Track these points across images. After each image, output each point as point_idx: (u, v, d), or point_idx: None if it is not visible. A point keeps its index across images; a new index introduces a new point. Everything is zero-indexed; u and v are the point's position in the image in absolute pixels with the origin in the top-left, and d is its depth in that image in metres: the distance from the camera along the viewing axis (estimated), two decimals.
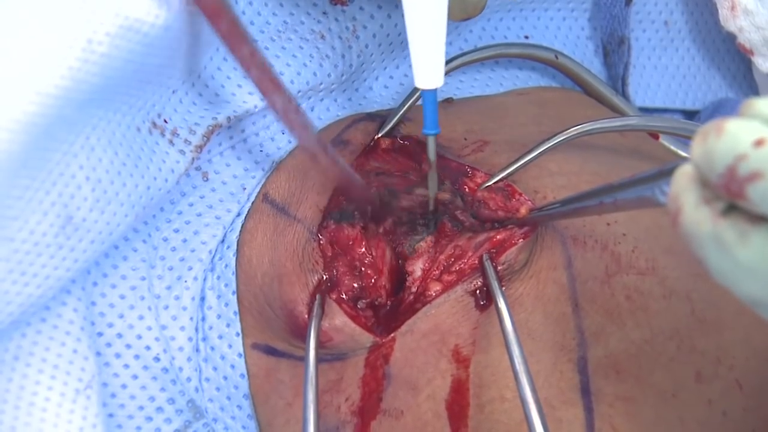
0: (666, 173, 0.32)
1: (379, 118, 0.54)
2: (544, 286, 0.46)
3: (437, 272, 0.47)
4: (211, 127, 0.47)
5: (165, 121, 0.46)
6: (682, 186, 0.27)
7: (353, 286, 0.48)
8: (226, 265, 0.51)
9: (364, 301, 0.48)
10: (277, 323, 0.49)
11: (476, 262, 0.46)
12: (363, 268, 0.48)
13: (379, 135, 0.52)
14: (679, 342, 0.44)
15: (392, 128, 0.52)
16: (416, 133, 0.52)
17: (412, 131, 0.53)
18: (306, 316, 0.47)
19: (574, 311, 0.45)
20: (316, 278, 0.47)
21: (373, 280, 0.48)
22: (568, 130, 0.48)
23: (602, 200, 0.37)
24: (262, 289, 0.49)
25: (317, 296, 0.47)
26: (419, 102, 0.53)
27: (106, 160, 0.42)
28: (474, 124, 0.53)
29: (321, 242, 0.48)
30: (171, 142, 0.46)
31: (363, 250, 0.48)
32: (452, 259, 0.47)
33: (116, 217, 0.43)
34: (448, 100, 0.57)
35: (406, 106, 0.52)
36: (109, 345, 0.48)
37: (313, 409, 0.41)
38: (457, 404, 0.45)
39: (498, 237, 0.46)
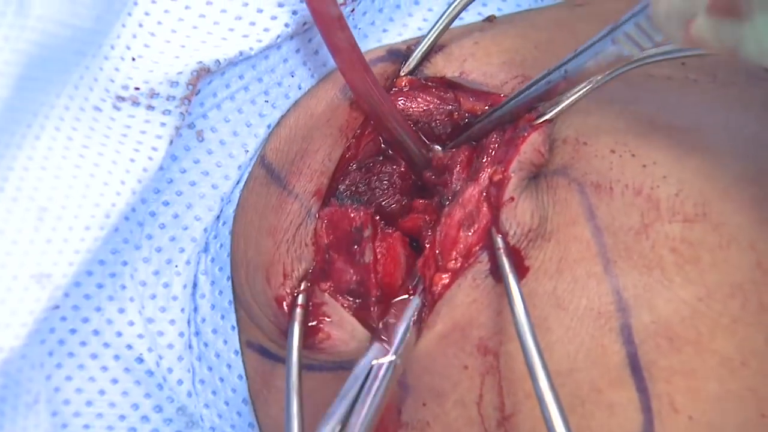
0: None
1: (400, 55, 0.46)
2: (566, 246, 0.39)
3: (438, 256, 0.41)
4: (196, 72, 0.41)
5: (136, 89, 0.40)
6: None
7: (351, 281, 0.42)
8: (221, 245, 0.45)
9: (364, 301, 0.42)
10: (265, 322, 0.43)
11: (475, 240, 0.40)
12: (362, 259, 0.42)
13: (402, 74, 0.45)
14: (744, 299, 0.37)
15: (416, 66, 0.45)
16: (445, 70, 0.45)
17: (439, 69, 0.45)
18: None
19: (606, 270, 0.38)
20: (303, 267, 0.42)
21: (376, 275, 0.42)
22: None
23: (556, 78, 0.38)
24: (248, 281, 0.44)
25: (302, 284, 0.41)
26: (454, 24, 0.45)
27: (59, 147, 0.38)
28: (515, 53, 0.45)
29: (317, 226, 0.42)
30: (150, 107, 0.40)
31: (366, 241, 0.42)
32: (447, 244, 0.41)
33: (104, 198, 0.39)
34: (490, 18, 0.49)
35: (433, 36, 0.44)
36: (83, 344, 0.43)
37: (297, 423, 0.36)
38: (491, 406, 0.39)
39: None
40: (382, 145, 0.45)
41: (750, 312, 0.37)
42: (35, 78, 0.37)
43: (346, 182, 0.44)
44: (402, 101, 0.44)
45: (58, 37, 0.37)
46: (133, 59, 0.40)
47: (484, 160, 0.41)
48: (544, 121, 0.41)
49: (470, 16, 0.47)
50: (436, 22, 0.45)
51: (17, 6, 0.35)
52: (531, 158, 0.40)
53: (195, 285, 0.45)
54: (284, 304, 0.41)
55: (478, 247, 0.40)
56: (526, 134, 0.40)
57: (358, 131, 0.44)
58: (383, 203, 0.44)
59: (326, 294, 0.41)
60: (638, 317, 0.37)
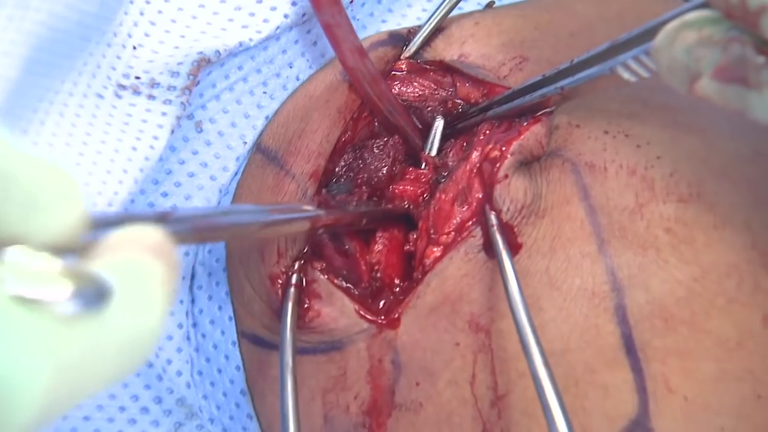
0: (639, 38, 0.33)
1: (401, 40, 0.46)
2: (560, 225, 0.39)
3: (431, 229, 0.41)
4: (196, 62, 0.41)
5: (137, 78, 0.41)
6: (697, 42, 0.29)
7: (341, 267, 0.42)
8: None
9: (355, 286, 0.42)
10: (258, 305, 0.43)
11: (468, 216, 0.40)
12: (349, 248, 0.42)
13: (403, 57, 0.45)
14: (739, 279, 0.37)
15: (417, 51, 0.45)
16: (445, 53, 0.45)
17: (439, 52, 0.45)
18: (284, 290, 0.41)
19: (600, 249, 0.38)
20: (297, 247, 0.42)
21: (366, 264, 0.42)
22: None
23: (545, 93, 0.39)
24: (242, 261, 0.43)
25: (296, 263, 0.41)
26: (453, 13, 0.46)
27: (63, 133, 0.38)
28: (514, 33, 0.45)
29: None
30: (151, 96, 0.40)
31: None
32: (442, 215, 0.41)
33: (107, 186, 0.39)
34: (489, 5, 0.49)
35: (434, 21, 0.45)
36: None
37: (292, 402, 0.36)
38: (485, 385, 0.39)
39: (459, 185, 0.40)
40: (377, 130, 0.45)
41: (745, 292, 0.37)
42: (41, 61, 0.37)
43: (341, 164, 0.44)
44: (398, 85, 0.45)
45: (65, 20, 0.37)
46: (134, 48, 0.40)
47: (475, 140, 0.41)
48: (545, 112, 0.41)
49: (469, 6, 0.48)
50: (438, 8, 0.45)
51: None
52: (531, 146, 0.40)
53: (193, 276, 0.45)
54: (278, 282, 0.41)
55: (471, 222, 0.40)
56: (526, 123, 0.40)
57: (356, 114, 0.44)
58: (376, 171, 0.44)
59: (317, 271, 0.41)
60: (633, 297, 0.37)
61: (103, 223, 0.23)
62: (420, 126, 0.45)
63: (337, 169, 0.44)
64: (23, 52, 0.37)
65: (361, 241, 0.42)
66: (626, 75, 0.34)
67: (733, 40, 0.29)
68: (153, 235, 0.23)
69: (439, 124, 0.44)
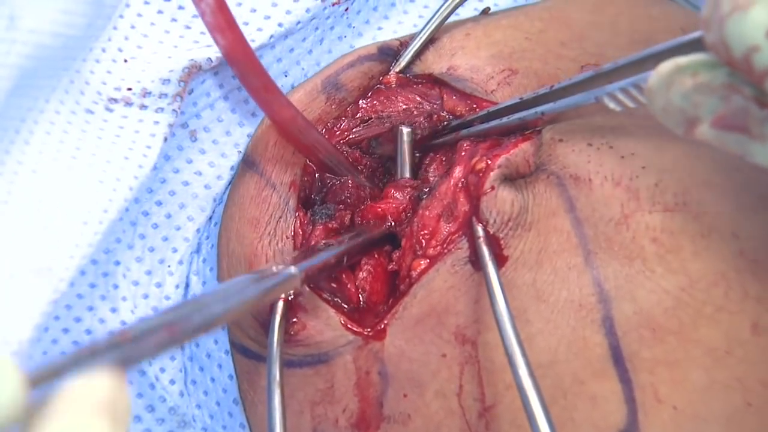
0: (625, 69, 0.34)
1: (391, 53, 0.46)
2: (546, 238, 0.38)
3: (416, 246, 0.41)
4: (187, 69, 0.41)
5: (129, 89, 0.41)
6: (693, 88, 0.29)
7: (327, 286, 0.42)
8: (213, 246, 0.45)
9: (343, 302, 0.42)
10: (245, 317, 0.43)
11: (455, 230, 0.40)
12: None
13: (393, 72, 0.45)
14: (727, 288, 0.37)
15: (407, 65, 0.45)
16: (434, 66, 0.45)
17: (428, 65, 0.45)
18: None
19: (586, 261, 0.37)
20: (285, 260, 0.41)
21: (354, 285, 0.42)
22: None
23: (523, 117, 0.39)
24: (229, 270, 0.44)
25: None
26: (450, 20, 0.45)
27: (50, 150, 0.39)
28: (504, 45, 0.45)
29: (295, 225, 0.42)
30: (143, 106, 0.40)
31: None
32: (426, 231, 0.41)
33: (99, 195, 0.39)
34: (485, 11, 0.48)
35: (424, 36, 0.45)
36: (76, 343, 0.43)
37: (279, 415, 0.36)
38: (472, 397, 0.39)
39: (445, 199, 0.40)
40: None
41: (734, 300, 0.36)
42: (24, 86, 0.38)
43: (320, 183, 0.44)
44: (382, 100, 0.45)
45: (50, 48, 0.38)
46: (125, 61, 0.40)
47: (456, 157, 0.41)
48: (534, 131, 0.41)
49: (467, 12, 0.47)
50: (429, 21, 0.45)
51: (8, 21, 0.36)
52: (518, 162, 0.40)
53: (187, 285, 0.45)
54: None
55: (457, 235, 0.40)
56: (515, 140, 0.40)
57: (329, 124, 0.44)
58: (355, 189, 0.44)
59: (303, 284, 0.41)
60: (620, 309, 0.37)
61: (52, 374, 0.23)
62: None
63: (318, 184, 0.44)
64: (6, 85, 0.37)
65: (347, 268, 0.42)
66: (612, 105, 0.34)
67: (733, 90, 0.28)
68: (100, 387, 0.23)
69: (405, 146, 0.44)
